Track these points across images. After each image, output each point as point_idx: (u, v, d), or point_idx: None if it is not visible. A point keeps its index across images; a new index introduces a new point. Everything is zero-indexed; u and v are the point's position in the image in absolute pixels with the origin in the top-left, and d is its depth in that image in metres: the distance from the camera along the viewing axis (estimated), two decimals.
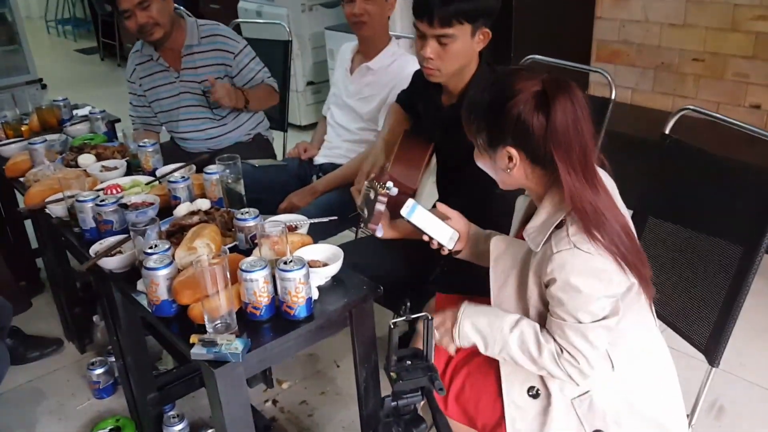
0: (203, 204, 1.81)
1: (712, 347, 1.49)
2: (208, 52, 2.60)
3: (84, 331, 2.50)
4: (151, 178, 2.08)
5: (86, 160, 2.21)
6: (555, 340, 1.29)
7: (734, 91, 3.18)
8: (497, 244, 1.43)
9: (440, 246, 1.49)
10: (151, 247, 1.46)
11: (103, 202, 1.72)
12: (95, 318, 2.54)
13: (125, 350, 1.83)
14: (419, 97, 2.00)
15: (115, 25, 7.46)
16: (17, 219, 2.90)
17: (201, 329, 1.36)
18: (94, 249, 1.65)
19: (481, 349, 1.38)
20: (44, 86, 5.72)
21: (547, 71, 1.29)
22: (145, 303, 1.49)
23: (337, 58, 2.65)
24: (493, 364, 1.44)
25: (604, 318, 1.24)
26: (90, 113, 2.61)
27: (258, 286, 1.36)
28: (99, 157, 2.25)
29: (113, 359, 2.24)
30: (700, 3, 3.18)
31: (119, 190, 1.92)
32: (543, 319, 1.35)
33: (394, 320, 1.25)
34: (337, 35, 4.12)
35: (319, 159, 2.57)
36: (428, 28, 1.66)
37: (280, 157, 3.02)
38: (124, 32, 7.27)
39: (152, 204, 1.86)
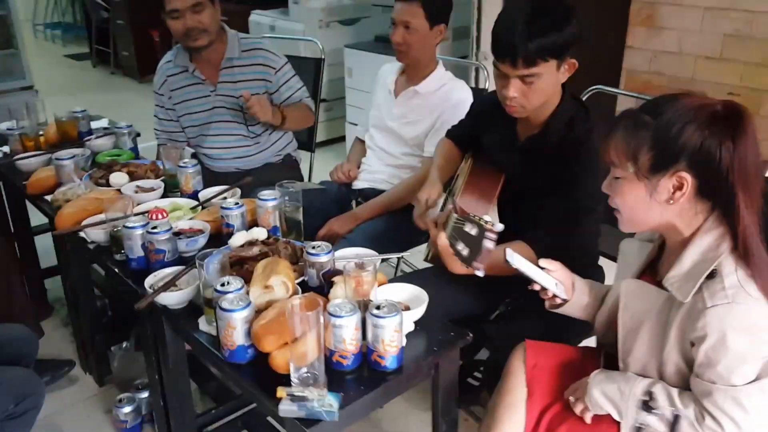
0: (260, 233, 1.67)
1: None
2: (249, 66, 2.47)
3: (103, 362, 2.32)
4: (194, 202, 1.94)
5: (119, 179, 2.06)
6: (698, 404, 1.18)
7: None
8: (629, 288, 1.31)
9: (547, 294, 1.38)
10: (223, 284, 1.32)
11: (155, 230, 1.58)
12: (114, 348, 2.37)
13: (168, 390, 1.68)
14: (485, 129, 1.90)
15: (109, 32, 7.27)
16: (27, 237, 2.72)
17: (280, 379, 1.23)
18: (149, 282, 1.50)
19: (615, 417, 1.28)
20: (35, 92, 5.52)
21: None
22: (205, 342, 1.35)
23: (378, 80, 2.54)
24: (602, 418, 1.32)
25: (756, 379, 1.13)
26: (116, 127, 2.46)
27: (348, 333, 1.23)
28: (132, 176, 2.10)
29: (141, 395, 2.07)
30: (738, 37, 3.14)
31: (165, 215, 1.78)
32: (682, 378, 1.24)
33: None
34: (356, 53, 4.02)
35: (360, 184, 2.45)
36: (511, 69, 1.55)
37: (306, 178, 2.90)
38: (120, 39, 7.08)
39: (201, 231, 1.73)
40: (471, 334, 1.39)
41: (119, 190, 2.01)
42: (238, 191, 1.99)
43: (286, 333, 1.23)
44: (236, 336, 1.26)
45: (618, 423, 1.29)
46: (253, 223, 1.78)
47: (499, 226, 1.26)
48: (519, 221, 1.73)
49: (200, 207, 1.91)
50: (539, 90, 1.59)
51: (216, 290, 1.32)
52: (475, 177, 1.77)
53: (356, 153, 2.61)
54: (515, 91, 1.59)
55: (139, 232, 1.60)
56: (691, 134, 1.12)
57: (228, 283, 1.33)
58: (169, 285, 1.46)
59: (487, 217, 1.32)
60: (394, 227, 2.28)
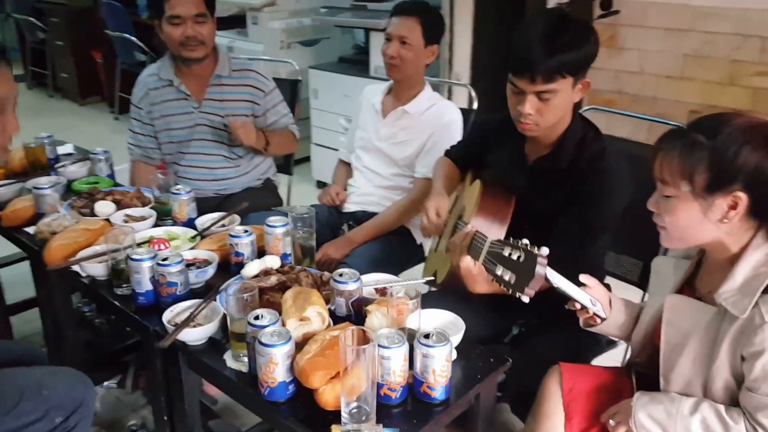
0: (274, 262, 1.61)
1: None
2: (238, 86, 2.41)
3: None
4: (191, 231, 1.85)
5: (105, 208, 1.95)
6: (749, 418, 1.18)
7: None
8: (673, 304, 1.32)
9: (587, 312, 1.37)
10: (257, 317, 1.26)
11: (165, 262, 1.49)
12: (97, 387, 2.23)
13: None
14: (489, 149, 1.89)
15: (46, 53, 6.97)
16: None
17: (325, 416, 1.17)
18: (167, 318, 1.41)
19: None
20: None
21: None
22: (235, 379, 1.28)
23: (362, 101, 2.51)
24: None
25: None
26: (92, 153, 2.33)
27: (397, 365, 1.19)
28: (117, 205, 1.99)
29: None
30: (697, 57, 3.28)
31: (167, 246, 1.69)
32: (730, 394, 1.24)
33: None
34: (321, 74, 3.98)
35: (350, 206, 2.40)
36: (529, 85, 1.55)
37: (286, 202, 2.83)
38: (59, 61, 6.80)
39: (208, 262, 1.65)
40: (510, 360, 1.37)
41: (108, 220, 1.89)
42: (237, 218, 1.91)
43: (335, 367, 1.18)
44: (278, 372, 1.19)
45: None
46: (261, 251, 1.71)
47: (545, 250, 1.24)
48: (534, 242, 1.72)
49: (199, 236, 1.82)
50: (555, 107, 1.60)
51: (251, 324, 1.24)
52: (487, 199, 1.75)
53: (342, 176, 2.56)
54: (531, 107, 1.58)
55: (148, 264, 1.50)
56: (747, 155, 1.15)
57: (261, 316, 1.26)
58: (190, 320, 1.38)
59: (525, 241, 1.30)
60: (390, 250, 2.24)
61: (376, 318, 1.33)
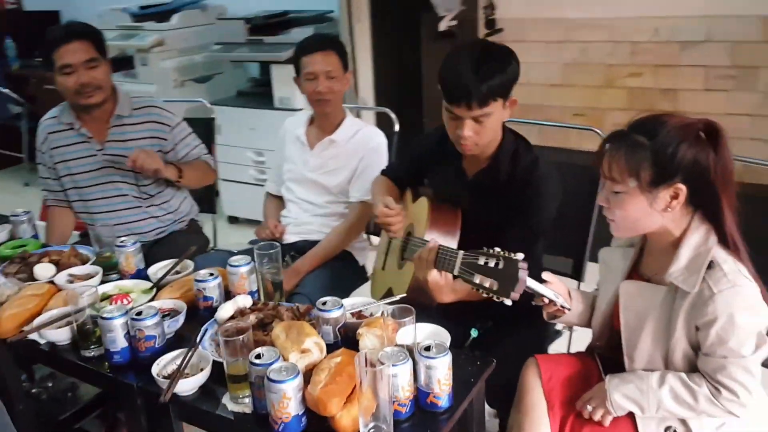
0: (246, 301, 1.62)
1: None
2: (141, 124, 2.35)
3: None
4: (144, 282, 1.81)
5: (45, 271, 1.87)
6: (710, 380, 1.34)
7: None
8: (627, 289, 1.46)
9: (554, 306, 1.49)
10: (258, 356, 1.27)
11: (140, 316, 1.46)
12: None
13: None
14: (428, 167, 2.00)
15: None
16: None
17: None
18: (156, 371, 1.39)
19: (638, 413, 1.41)
20: None
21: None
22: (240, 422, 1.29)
23: (284, 134, 2.55)
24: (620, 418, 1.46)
25: (757, 348, 1.32)
26: (11, 215, 2.21)
27: (404, 380, 1.25)
28: (57, 266, 1.91)
29: None
30: (576, 65, 3.60)
31: (129, 300, 1.65)
32: (689, 362, 1.40)
33: None
34: (223, 109, 3.94)
35: (291, 238, 2.42)
36: (466, 112, 1.67)
37: (212, 243, 2.81)
38: None
39: (175, 310, 1.63)
40: (495, 360, 1.46)
41: (52, 282, 1.81)
42: (191, 263, 1.89)
43: (347, 392, 1.22)
44: (291, 407, 1.22)
45: (633, 422, 1.43)
46: (225, 291, 1.71)
47: (521, 255, 1.35)
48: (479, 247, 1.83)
49: (155, 287, 1.79)
50: (490, 128, 1.73)
51: (254, 364, 1.26)
52: (436, 214, 1.85)
53: (273, 209, 2.57)
54: (469, 130, 1.70)
55: (121, 321, 1.47)
56: (684, 151, 1.31)
57: (261, 355, 1.28)
58: (183, 369, 1.37)
59: (497, 249, 1.41)
60: (336, 274, 2.29)
61: (368, 339, 1.38)
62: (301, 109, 3.77)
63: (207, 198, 2.82)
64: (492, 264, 1.38)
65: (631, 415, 1.44)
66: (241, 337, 1.31)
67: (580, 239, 2.13)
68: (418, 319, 1.53)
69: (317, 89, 2.25)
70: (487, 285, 1.38)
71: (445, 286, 1.61)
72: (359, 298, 1.64)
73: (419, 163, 2.05)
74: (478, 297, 1.62)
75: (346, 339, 1.47)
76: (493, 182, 1.82)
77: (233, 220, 4.27)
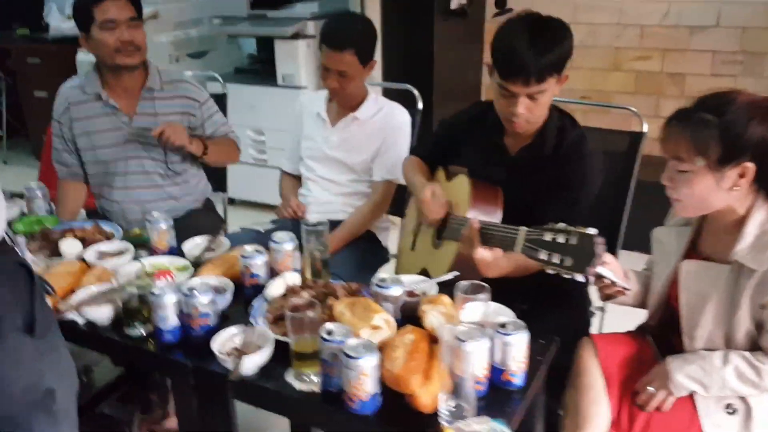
0: (295, 278, 1.57)
1: None
2: (172, 99, 2.27)
3: None
4: (180, 259, 1.75)
5: (72, 247, 1.79)
6: None
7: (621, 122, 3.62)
8: (688, 269, 1.45)
9: (615, 289, 1.47)
10: (329, 332, 1.23)
11: (193, 293, 1.40)
12: None
13: None
14: (463, 144, 1.97)
15: None
16: None
17: (422, 420, 1.18)
18: (217, 348, 1.34)
19: (701, 393, 1.41)
20: None
21: None
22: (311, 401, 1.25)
23: (301, 111, 2.48)
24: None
25: None
26: (26, 189, 2.11)
27: (483, 359, 1.22)
28: (83, 243, 1.83)
29: None
30: (583, 47, 3.58)
31: (172, 276, 1.59)
32: (751, 340, 1.40)
33: None
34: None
35: (313, 217, 2.36)
36: (522, 88, 1.63)
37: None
38: None
39: (223, 288, 1.58)
40: (558, 339, 1.45)
41: (84, 260, 1.74)
42: (226, 241, 1.83)
43: (426, 369, 1.19)
44: (368, 384, 1.18)
45: (692, 402, 1.43)
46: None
47: (594, 230, 1.33)
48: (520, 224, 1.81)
49: (192, 264, 1.72)
50: (543, 104, 1.70)
51: (326, 340, 1.22)
52: (478, 191, 1.82)
53: (291, 188, 2.51)
54: (523, 107, 1.66)
55: (173, 299, 1.41)
56: (754, 129, 1.30)
57: (332, 331, 1.24)
58: (249, 348, 1.32)
59: (562, 224, 1.38)
60: (360, 255, 2.25)
61: (433, 317, 1.35)
62: (304, 87, 3.71)
63: (217, 177, 2.74)
64: (561, 240, 1.35)
65: (689, 395, 1.44)
66: (309, 312, 1.27)
67: (612, 224, 2.11)
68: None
69: (327, 83, 2.20)
70: (557, 261, 1.35)
71: (493, 262, 1.59)
72: (410, 277, 1.60)
73: (452, 141, 2.01)
74: (519, 274, 1.62)
75: (406, 317, 1.43)
76: (537, 158, 1.79)
77: (230, 201, 4.17)
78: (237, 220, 2.84)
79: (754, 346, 1.41)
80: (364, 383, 1.18)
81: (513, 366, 1.25)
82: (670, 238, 1.56)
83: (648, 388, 1.47)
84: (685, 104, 1.40)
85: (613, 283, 1.47)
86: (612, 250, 2.12)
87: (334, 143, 2.36)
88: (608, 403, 1.49)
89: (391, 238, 2.47)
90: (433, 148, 2.09)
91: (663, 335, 1.60)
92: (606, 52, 3.55)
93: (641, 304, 1.62)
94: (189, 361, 1.39)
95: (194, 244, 1.81)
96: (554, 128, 1.79)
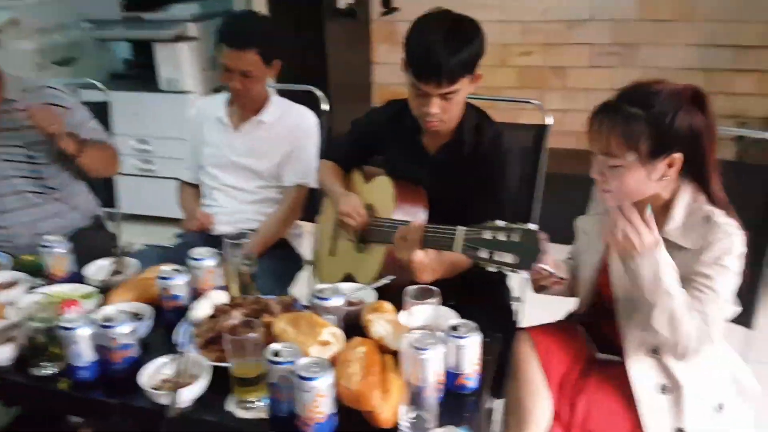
0: (221, 297, 1.45)
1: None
2: None
3: None
4: (84, 287, 1.57)
5: None
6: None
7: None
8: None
9: (552, 279, 1.48)
10: (276, 354, 1.14)
11: (111, 323, 1.26)
12: None
13: None
14: (380, 146, 1.93)
15: None
16: None
17: None
18: (146, 381, 1.20)
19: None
20: None
21: None
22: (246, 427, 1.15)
23: (198, 116, 2.34)
24: (611, 381, 1.49)
25: (731, 296, 1.40)
26: None
27: (439, 366, 1.18)
28: None
29: None
30: None
31: (78, 305, 1.42)
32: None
33: None
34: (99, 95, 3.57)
35: (223, 228, 2.22)
36: (435, 89, 1.61)
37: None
38: None
39: (138, 315, 1.43)
40: (501, 334, 1.44)
41: None
42: (133, 261, 1.67)
43: (387, 381, 1.13)
44: (325, 405, 1.11)
45: (629, 388, 1.45)
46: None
47: (534, 226, 1.32)
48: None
49: (99, 290, 1.56)
50: (457, 104, 1.69)
51: (274, 362, 1.13)
52: (402, 192, 1.78)
53: (192, 198, 2.35)
54: (437, 107, 1.65)
55: (87, 331, 1.26)
56: (681, 120, 1.33)
57: (279, 352, 1.15)
58: (181, 378, 1.20)
59: (500, 223, 1.37)
60: (279, 264, 2.16)
61: (380, 326, 1.29)
62: (189, 92, 3.52)
63: (104, 191, 2.52)
64: (503, 237, 1.33)
65: (618, 387, 1.47)
66: (250, 333, 1.17)
67: (524, 218, 2.14)
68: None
69: (230, 84, 2.08)
70: (500, 259, 1.34)
71: (429, 265, 1.56)
72: (347, 285, 1.53)
73: (368, 141, 1.96)
74: (449, 275, 1.62)
75: (347, 327, 1.36)
76: (457, 157, 1.78)
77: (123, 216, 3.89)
78: (131, 237, 2.63)
79: None
80: (320, 404, 1.10)
81: (468, 369, 1.22)
82: (595, 226, 1.59)
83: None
84: (610, 98, 1.42)
85: (551, 275, 1.48)
86: None
87: (239, 149, 2.23)
88: (549, 396, 1.50)
89: (304, 245, 2.38)
90: (349, 151, 2.03)
91: (593, 323, 1.64)
92: (492, 49, 3.60)
93: (570, 293, 1.65)
94: (112, 399, 1.24)
95: (97, 268, 1.63)
96: (471, 126, 1.79)
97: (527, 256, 1.30)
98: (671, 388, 1.46)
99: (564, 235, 1.73)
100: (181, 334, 1.37)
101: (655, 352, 1.46)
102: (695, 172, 1.42)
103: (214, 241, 2.19)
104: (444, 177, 1.80)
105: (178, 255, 1.92)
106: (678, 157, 1.37)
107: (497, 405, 1.65)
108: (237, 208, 2.25)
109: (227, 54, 2.05)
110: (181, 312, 1.44)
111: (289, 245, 2.28)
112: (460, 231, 1.42)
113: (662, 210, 1.44)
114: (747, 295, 1.66)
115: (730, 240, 1.36)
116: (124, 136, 3.61)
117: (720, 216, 1.39)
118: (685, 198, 1.43)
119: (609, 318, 1.55)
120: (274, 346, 1.16)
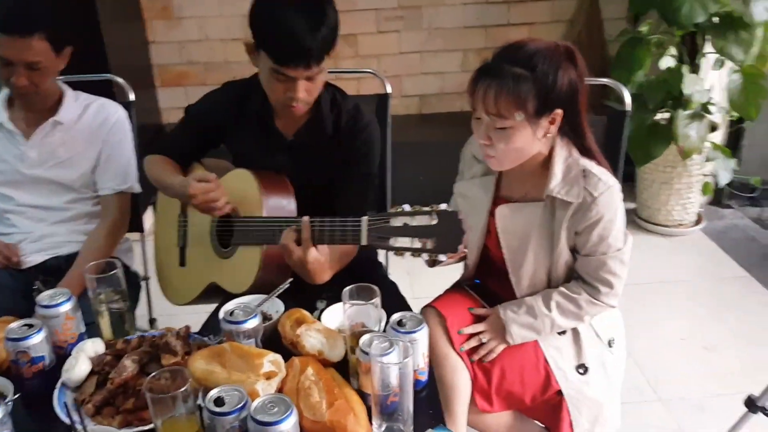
0: (98, 345, 1.18)
1: None
2: None
3: None
4: None
5: None
6: (589, 279, 1.47)
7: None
8: (504, 213, 1.48)
9: (459, 256, 1.43)
10: (218, 402, 0.95)
11: None
12: None
13: None
14: (223, 135, 1.72)
15: None
16: None
17: None
18: None
19: (537, 338, 1.49)
20: None
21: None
22: None
23: None
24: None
25: (626, 237, 1.49)
26: None
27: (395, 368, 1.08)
28: None
29: None
30: None
31: None
32: (568, 269, 1.50)
33: None
34: None
35: (33, 258, 1.83)
36: (303, 72, 1.48)
37: None
38: None
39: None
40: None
41: None
42: None
43: (355, 401, 1.01)
44: None
45: (538, 351, 1.51)
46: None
47: (444, 205, 1.25)
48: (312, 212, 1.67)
49: None
50: (320, 84, 1.57)
51: (217, 414, 0.94)
52: (265, 183, 1.61)
53: None
54: (303, 91, 1.52)
55: None
56: (563, 77, 1.36)
57: (220, 399, 0.96)
58: None
59: (406, 206, 1.28)
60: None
61: (313, 339, 1.15)
62: None
63: None
64: (416, 223, 1.25)
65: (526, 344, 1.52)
66: (182, 389, 0.95)
67: (378, 188, 2.07)
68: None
69: (13, 80, 1.71)
70: (418, 246, 1.25)
71: (325, 262, 1.44)
72: (248, 298, 1.34)
73: (207, 131, 1.73)
74: (345, 265, 1.56)
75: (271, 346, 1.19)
76: (319, 138, 1.66)
77: None
78: None
79: (572, 275, 1.53)
80: None
81: (421, 363, 1.14)
82: (474, 189, 1.58)
83: (484, 340, 1.51)
84: (486, 59, 1.40)
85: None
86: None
87: (33, 160, 1.85)
88: (466, 367, 1.48)
89: (136, 260, 2.08)
90: (184, 142, 1.77)
91: (482, 284, 1.65)
92: None
93: (461, 258, 1.63)
94: None
95: None
96: (327, 104, 1.66)
97: (449, 239, 1.22)
98: (567, 329, 1.54)
99: (418, 202, 1.70)
100: (60, 405, 1.08)
101: None
102: (571, 127, 1.47)
103: (25, 278, 1.82)
104: (307, 161, 1.66)
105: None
106: (559, 113, 1.40)
107: None
108: (46, 231, 1.88)
109: (5, 43, 1.66)
110: (49, 377, 1.14)
111: (122, 263, 1.96)
112: (364, 221, 1.30)
113: (540, 168, 1.48)
114: None
115: (611, 192, 1.43)
116: None
117: (596, 168, 1.46)
118: (562, 153, 1.47)
119: (498, 277, 1.58)
120: (214, 392, 0.96)
